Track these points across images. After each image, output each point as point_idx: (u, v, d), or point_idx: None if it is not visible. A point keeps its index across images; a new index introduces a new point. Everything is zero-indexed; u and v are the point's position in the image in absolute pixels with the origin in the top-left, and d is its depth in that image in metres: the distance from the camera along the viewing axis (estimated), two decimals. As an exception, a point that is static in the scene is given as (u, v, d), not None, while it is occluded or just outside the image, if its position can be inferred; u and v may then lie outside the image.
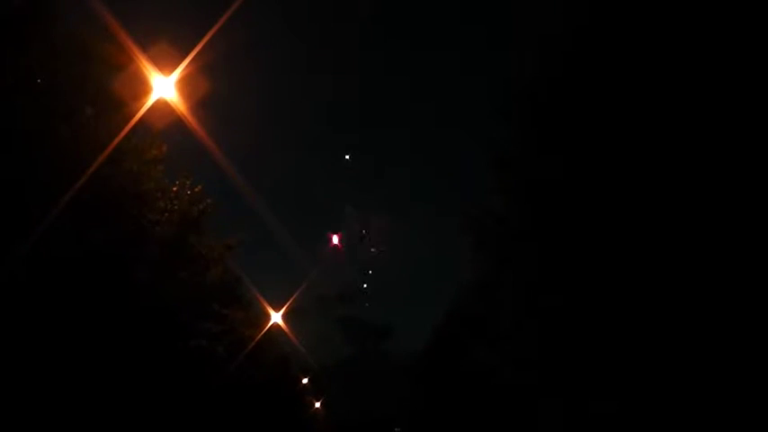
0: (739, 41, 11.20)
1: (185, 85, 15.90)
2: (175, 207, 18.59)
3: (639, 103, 12.80)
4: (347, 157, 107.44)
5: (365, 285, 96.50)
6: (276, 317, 32.12)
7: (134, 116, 14.86)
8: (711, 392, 11.41)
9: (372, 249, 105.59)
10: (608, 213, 13.24)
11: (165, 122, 16.90)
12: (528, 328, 17.23)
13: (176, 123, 16.91)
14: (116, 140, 14.36)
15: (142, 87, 15.27)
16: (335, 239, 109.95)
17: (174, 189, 18.82)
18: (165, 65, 15.23)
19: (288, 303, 33.79)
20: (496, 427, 25.45)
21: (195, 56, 15.44)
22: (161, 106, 15.73)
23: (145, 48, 15.10)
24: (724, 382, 11.29)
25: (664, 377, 12.25)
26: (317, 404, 59.12)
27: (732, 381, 11.23)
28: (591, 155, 13.87)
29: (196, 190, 19.74)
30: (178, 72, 15.24)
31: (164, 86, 15.25)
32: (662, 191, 12.42)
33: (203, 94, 17.81)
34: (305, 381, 52.02)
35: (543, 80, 15.55)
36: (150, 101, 15.15)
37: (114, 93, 15.41)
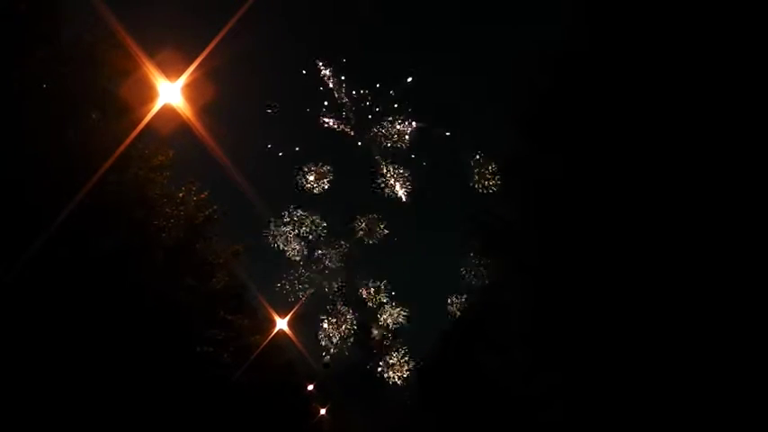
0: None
1: (191, 90, 15.91)
2: (181, 213, 18.57)
3: (648, 107, 12.72)
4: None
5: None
6: (282, 323, 31.96)
7: (140, 122, 14.85)
8: (729, 396, 11.25)
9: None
10: (618, 216, 13.13)
11: (171, 128, 16.91)
12: (536, 333, 17.08)
13: (182, 129, 16.92)
14: (122, 146, 14.35)
15: (148, 93, 15.26)
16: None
17: (180, 195, 18.82)
18: (172, 71, 15.27)
19: (293, 310, 33.72)
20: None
21: (201, 62, 15.47)
22: (167, 112, 15.70)
23: (151, 53, 15.15)
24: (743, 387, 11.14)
25: (679, 384, 12.08)
26: (323, 411, 58.73)
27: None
28: (600, 159, 13.77)
29: (202, 196, 19.79)
30: (184, 78, 15.25)
31: (170, 92, 15.22)
32: (671, 194, 12.31)
33: (209, 99, 17.83)
34: (310, 387, 51.68)
35: (551, 84, 15.49)
36: (156, 106, 15.13)
37: (121, 98, 15.43)
